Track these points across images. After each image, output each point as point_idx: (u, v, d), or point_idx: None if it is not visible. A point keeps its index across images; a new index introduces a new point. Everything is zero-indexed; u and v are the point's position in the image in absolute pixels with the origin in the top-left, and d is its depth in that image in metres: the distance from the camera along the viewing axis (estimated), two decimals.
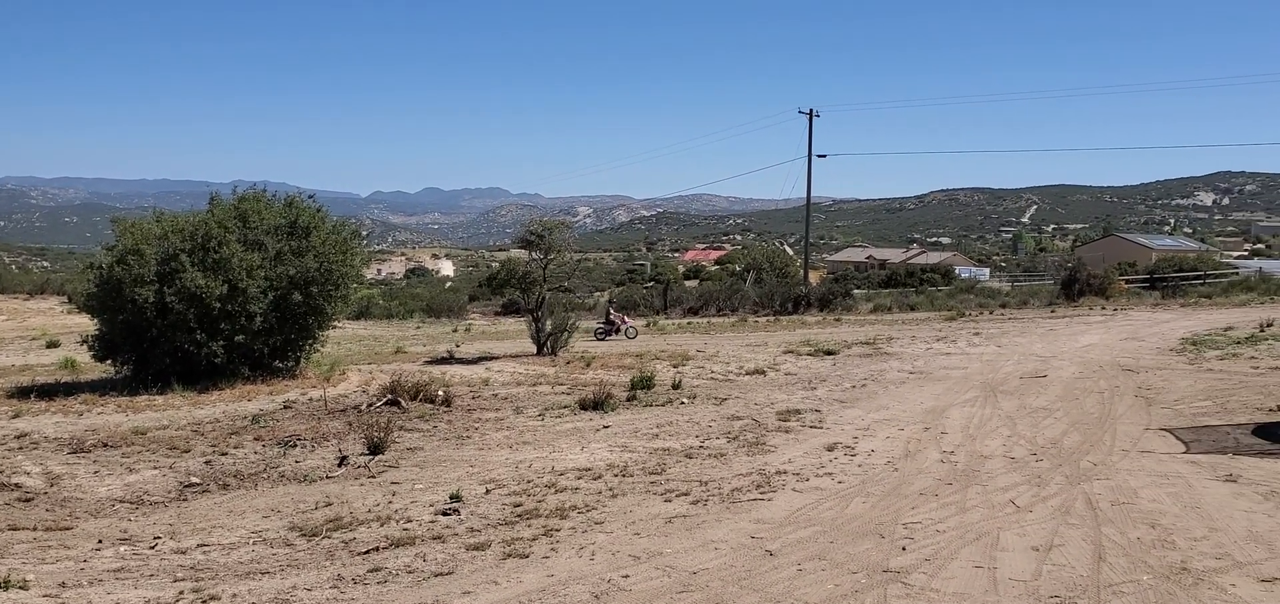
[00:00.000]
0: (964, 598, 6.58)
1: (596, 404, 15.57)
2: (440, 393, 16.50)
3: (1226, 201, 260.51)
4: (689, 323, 39.45)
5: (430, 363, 23.48)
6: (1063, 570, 7.04)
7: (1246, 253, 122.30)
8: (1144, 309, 37.68)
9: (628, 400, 16.43)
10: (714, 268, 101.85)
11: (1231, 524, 8.04)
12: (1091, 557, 7.32)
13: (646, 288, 59.27)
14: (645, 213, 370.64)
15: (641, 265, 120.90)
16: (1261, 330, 24.80)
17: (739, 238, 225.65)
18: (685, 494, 9.78)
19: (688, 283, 71.44)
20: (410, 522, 9.10)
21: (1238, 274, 55.85)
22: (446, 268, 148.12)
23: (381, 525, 9.00)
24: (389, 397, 16.08)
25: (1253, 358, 19.76)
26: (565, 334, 25.39)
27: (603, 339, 30.67)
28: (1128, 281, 49.95)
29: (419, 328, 40.05)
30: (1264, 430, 12.03)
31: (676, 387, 17.77)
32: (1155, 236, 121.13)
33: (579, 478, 10.70)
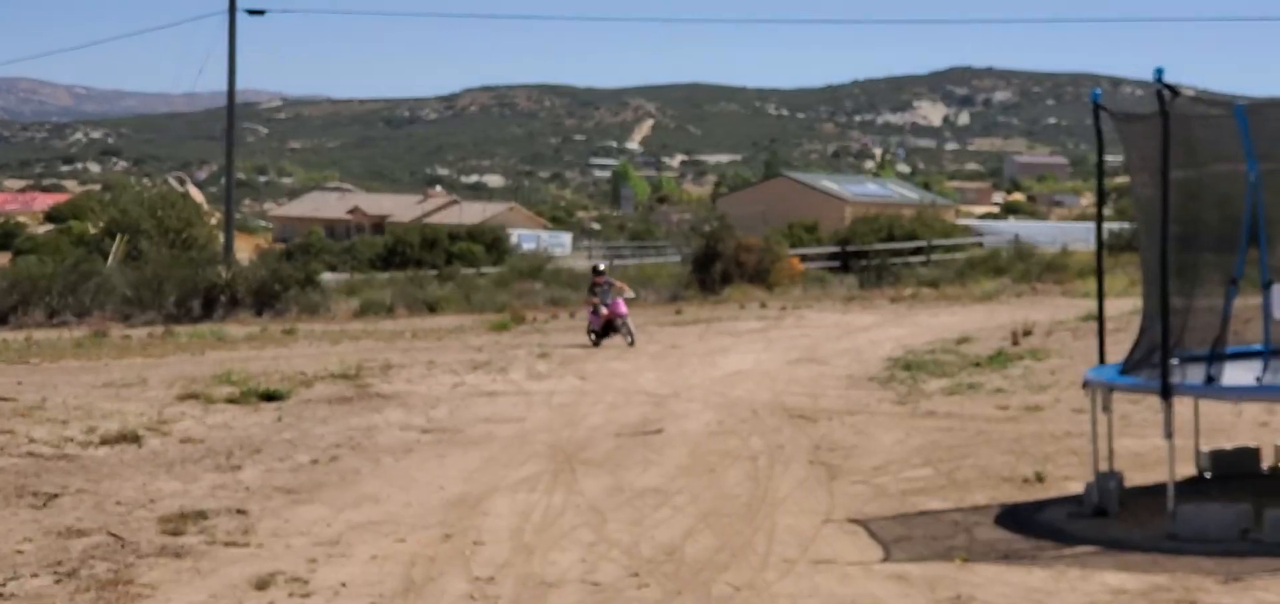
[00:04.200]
0: None
1: None
2: None
3: (965, 118, 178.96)
4: None
5: None
6: None
7: (997, 209, 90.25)
8: (831, 305, 29.47)
9: None
10: (43, 230, 66.58)
11: None
12: None
13: None
14: None
15: None
16: (1015, 342, 18.40)
17: (96, 169, 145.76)
18: None
19: None
20: None
21: (982, 246, 41.45)
22: None
23: None
24: None
25: (1000, 389, 14.58)
26: None
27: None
28: (805, 259, 37.20)
29: None
30: (1013, 516, 7.68)
31: None
32: (851, 179, 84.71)
33: None
